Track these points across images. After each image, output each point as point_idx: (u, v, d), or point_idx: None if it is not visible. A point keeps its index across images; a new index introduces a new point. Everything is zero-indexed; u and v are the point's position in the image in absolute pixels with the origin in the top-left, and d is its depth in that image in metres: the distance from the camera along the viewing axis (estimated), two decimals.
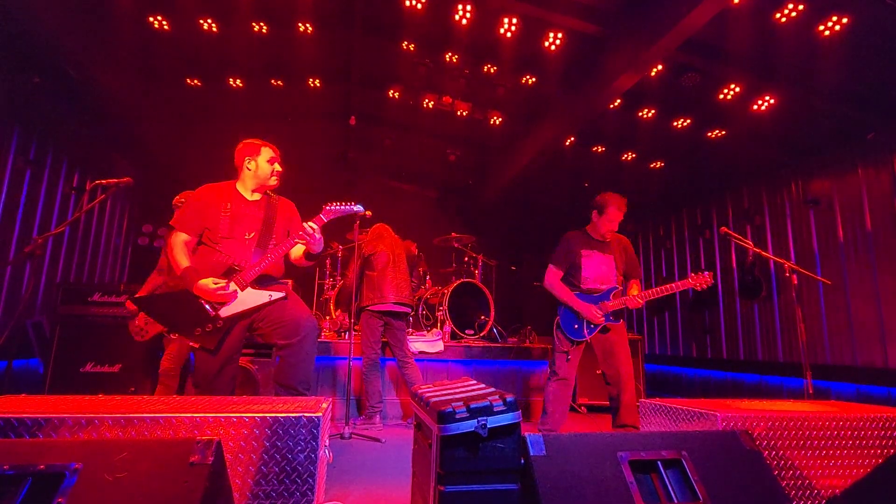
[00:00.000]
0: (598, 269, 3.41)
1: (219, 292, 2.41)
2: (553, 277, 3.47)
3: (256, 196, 2.72)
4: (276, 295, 2.56)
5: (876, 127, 4.56)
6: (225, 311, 2.46)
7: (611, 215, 3.39)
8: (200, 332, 2.41)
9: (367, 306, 4.09)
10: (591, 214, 3.48)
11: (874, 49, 3.81)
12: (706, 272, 3.22)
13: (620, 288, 3.40)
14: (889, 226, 4.44)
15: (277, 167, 2.72)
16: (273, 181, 2.71)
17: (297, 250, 2.71)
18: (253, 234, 2.59)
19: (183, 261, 2.48)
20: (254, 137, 2.77)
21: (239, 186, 2.71)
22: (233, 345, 2.54)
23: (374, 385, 4.08)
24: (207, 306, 2.43)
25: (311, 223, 2.52)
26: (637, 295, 3.29)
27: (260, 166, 2.67)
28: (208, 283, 2.40)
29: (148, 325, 3.40)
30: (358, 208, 2.65)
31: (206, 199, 2.61)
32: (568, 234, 3.54)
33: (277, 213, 2.72)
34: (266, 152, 2.69)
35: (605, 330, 3.32)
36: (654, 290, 3.26)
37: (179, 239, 2.53)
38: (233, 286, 2.46)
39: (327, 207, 2.61)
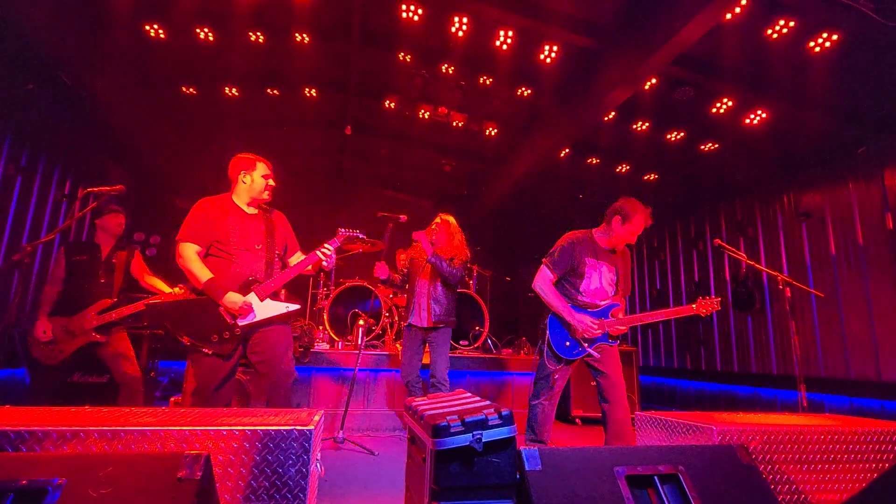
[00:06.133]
0: (600, 282, 3.05)
1: (244, 307, 2.50)
2: (545, 280, 3.04)
3: (253, 210, 2.78)
4: (293, 307, 2.67)
5: (866, 141, 4.62)
6: (242, 321, 2.54)
7: (636, 226, 2.98)
8: (217, 340, 2.48)
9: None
10: (611, 220, 3.03)
11: (864, 65, 3.87)
12: (715, 298, 2.89)
13: (620, 305, 3.07)
14: (880, 239, 4.48)
15: (271, 182, 2.79)
16: (266, 195, 2.79)
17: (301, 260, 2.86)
18: (261, 247, 2.68)
19: (203, 273, 2.50)
20: (248, 147, 2.82)
21: (235, 199, 2.75)
22: (238, 358, 2.61)
23: None
24: (227, 315, 2.51)
25: (327, 245, 2.74)
26: (628, 319, 3.02)
27: (255, 181, 2.73)
28: (236, 298, 2.49)
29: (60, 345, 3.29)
30: (361, 235, 2.99)
31: (210, 212, 2.63)
32: (572, 234, 3.12)
33: (276, 225, 2.81)
34: (261, 167, 2.76)
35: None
36: (651, 313, 2.98)
37: (191, 250, 2.53)
38: (253, 298, 2.56)
39: (341, 231, 2.88)
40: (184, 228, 2.58)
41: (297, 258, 2.88)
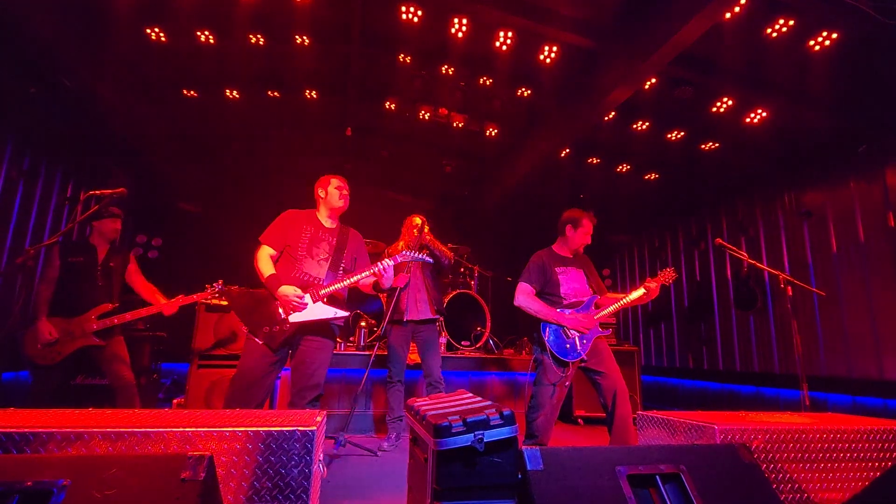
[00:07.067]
0: (574, 284, 3.32)
1: (294, 300, 2.70)
2: (527, 293, 3.27)
3: (332, 224, 3.09)
4: (341, 313, 2.84)
5: (867, 140, 4.61)
6: (294, 318, 2.73)
7: (586, 227, 3.38)
8: (268, 330, 2.70)
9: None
10: (565, 230, 3.42)
11: (864, 64, 3.87)
12: (670, 268, 3.25)
13: (599, 296, 3.31)
14: (881, 237, 4.48)
15: (344, 191, 3.11)
16: (341, 203, 3.09)
17: (367, 280, 3.01)
18: (325, 257, 2.95)
19: (267, 269, 2.81)
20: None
21: (318, 214, 3.10)
22: (283, 360, 2.78)
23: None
24: (280, 310, 2.73)
25: (386, 261, 2.90)
26: (606, 307, 3.20)
27: (329, 193, 3.08)
28: (289, 290, 2.71)
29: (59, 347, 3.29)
30: (429, 259, 3.21)
31: (290, 221, 2.98)
32: (536, 254, 3.44)
33: (348, 241, 3.07)
34: (334, 181, 3.11)
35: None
36: (620, 303, 3.18)
37: (265, 252, 2.88)
38: (307, 298, 2.76)
39: (403, 251, 3.07)
40: (265, 232, 2.94)
41: (369, 279, 3.01)
